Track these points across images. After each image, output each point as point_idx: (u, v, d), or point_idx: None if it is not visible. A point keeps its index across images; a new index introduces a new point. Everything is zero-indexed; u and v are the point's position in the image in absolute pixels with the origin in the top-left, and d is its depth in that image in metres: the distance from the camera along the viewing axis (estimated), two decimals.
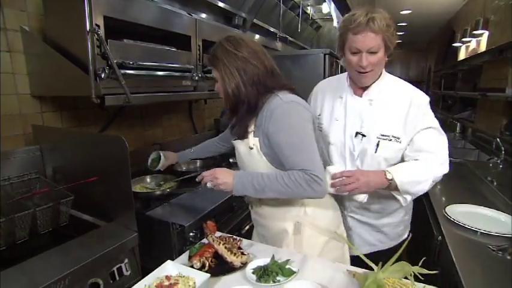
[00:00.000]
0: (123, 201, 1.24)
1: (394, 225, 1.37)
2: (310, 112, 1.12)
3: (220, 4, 2.54)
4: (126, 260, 1.18)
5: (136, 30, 1.52)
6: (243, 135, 1.14)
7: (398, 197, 1.20)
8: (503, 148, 2.42)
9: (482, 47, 4.11)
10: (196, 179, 1.21)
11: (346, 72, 1.33)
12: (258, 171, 1.11)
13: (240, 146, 1.17)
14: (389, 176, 1.15)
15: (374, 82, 1.24)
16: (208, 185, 1.13)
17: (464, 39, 4.65)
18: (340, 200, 1.33)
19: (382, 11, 1.14)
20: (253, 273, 0.98)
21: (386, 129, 1.22)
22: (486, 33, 3.96)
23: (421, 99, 1.22)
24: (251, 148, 1.12)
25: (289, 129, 1.04)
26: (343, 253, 1.27)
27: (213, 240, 1.00)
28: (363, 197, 1.20)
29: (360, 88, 1.27)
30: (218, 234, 1.16)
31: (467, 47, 4.99)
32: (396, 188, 1.16)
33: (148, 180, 1.75)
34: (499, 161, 2.36)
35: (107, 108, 1.34)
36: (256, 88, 1.09)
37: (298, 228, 1.17)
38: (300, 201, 1.17)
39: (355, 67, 1.18)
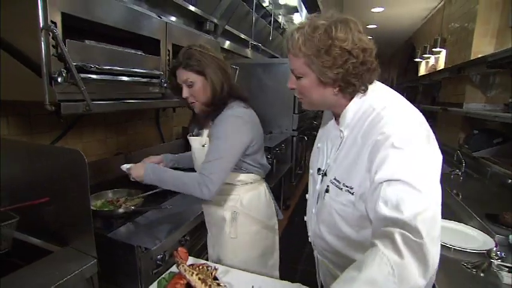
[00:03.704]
0: (80, 223, 1.09)
1: None
2: (252, 133, 1.26)
3: (192, 8, 2.44)
4: None
5: (101, 31, 1.38)
6: (200, 128, 1.37)
7: None
8: (464, 161, 2.55)
9: (441, 64, 4.40)
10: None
11: None
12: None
13: (194, 142, 1.35)
14: None
15: (345, 108, 0.92)
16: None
17: (424, 55, 4.95)
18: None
19: (322, 23, 0.82)
20: None
21: (341, 173, 0.91)
22: (444, 52, 4.25)
23: (397, 136, 0.77)
24: (203, 145, 1.30)
25: (220, 141, 1.20)
26: (274, 243, 1.48)
27: (185, 271, 0.89)
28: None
29: (335, 113, 0.99)
30: (191, 260, 1.05)
31: (427, 63, 5.33)
32: None
33: (110, 195, 1.59)
34: (460, 173, 2.48)
35: (64, 116, 1.19)
36: (228, 88, 1.27)
37: (235, 217, 1.35)
38: (236, 192, 1.35)
39: None
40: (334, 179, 0.92)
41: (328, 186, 0.93)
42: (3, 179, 1.28)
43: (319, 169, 1.00)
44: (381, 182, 0.75)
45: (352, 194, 0.86)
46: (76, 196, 1.07)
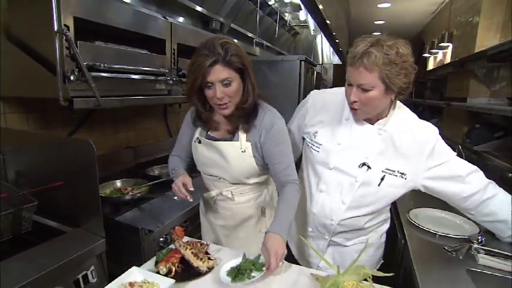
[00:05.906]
0: (90, 207, 1.22)
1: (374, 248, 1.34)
2: None
3: (198, 8, 2.54)
4: (92, 267, 1.16)
5: (110, 32, 1.50)
6: (232, 134, 1.23)
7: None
8: (464, 155, 2.57)
9: (448, 59, 4.36)
10: (267, 272, 1.00)
11: None
12: (241, 170, 1.23)
13: (228, 148, 1.22)
14: None
15: (389, 113, 1.16)
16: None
17: (432, 51, 4.91)
18: (323, 224, 1.28)
19: (392, 43, 1.00)
20: (227, 275, 0.98)
21: (393, 164, 1.15)
22: (451, 46, 4.22)
23: (433, 135, 1.14)
24: (243, 151, 1.20)
25: (284, 144, 1.21)
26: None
27: (180, 246, 1.00)
28: None
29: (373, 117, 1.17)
30: (186, 239, 1.16)
31: (435, 58, 5.28)
32: None
33: (118, 184, 1.72)
34: None
35: (76, 111, 1.31)
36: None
37: (264, 211, 1.35)
38: (262, 188, 1.34)
39: (347, 99, 1.11)
40: (387, 168, 1.15)
41: (384, 175, 1.15)
42: (24, 167, 1.43)
43: (363, 164, 1.16)
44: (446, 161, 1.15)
45: (405, 178, 1.15)
46: (86, 183, 1.20)
